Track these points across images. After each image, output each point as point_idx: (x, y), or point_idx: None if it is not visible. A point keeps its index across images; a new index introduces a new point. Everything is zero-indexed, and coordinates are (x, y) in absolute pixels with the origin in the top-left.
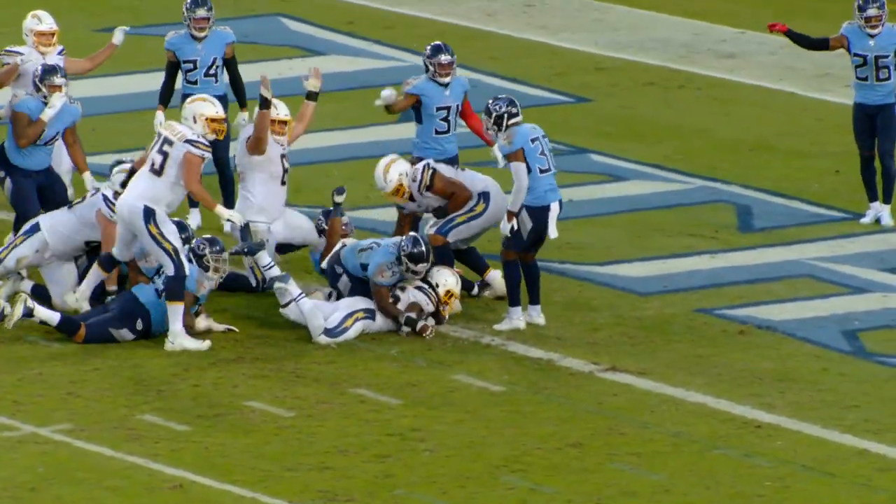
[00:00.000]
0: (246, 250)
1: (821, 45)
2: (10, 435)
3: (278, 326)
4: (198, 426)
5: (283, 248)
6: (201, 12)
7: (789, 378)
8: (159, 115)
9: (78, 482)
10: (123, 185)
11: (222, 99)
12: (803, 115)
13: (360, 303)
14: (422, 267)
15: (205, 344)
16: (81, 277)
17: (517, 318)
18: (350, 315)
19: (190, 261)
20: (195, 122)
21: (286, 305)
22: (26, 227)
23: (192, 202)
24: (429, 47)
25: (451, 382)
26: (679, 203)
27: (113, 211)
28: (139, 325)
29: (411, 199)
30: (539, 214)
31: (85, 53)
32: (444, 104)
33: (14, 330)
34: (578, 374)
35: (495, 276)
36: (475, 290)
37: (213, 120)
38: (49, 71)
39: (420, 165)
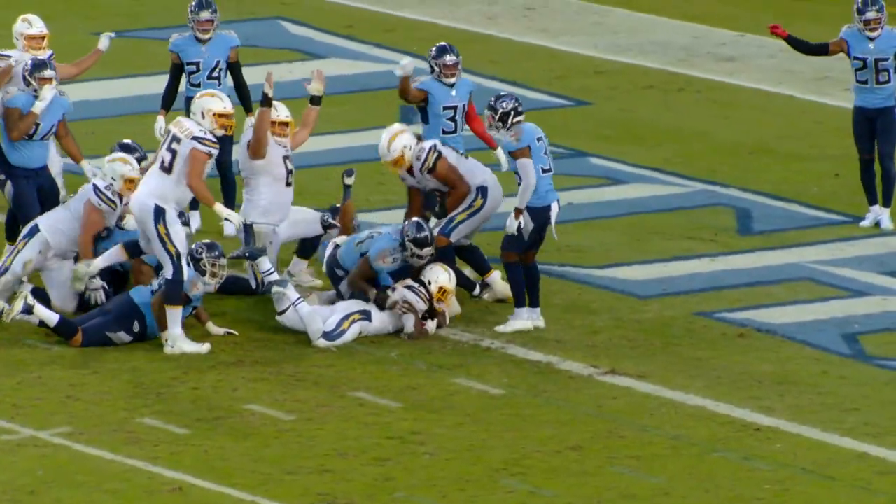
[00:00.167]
0: (247, 255)
1: (820, 50)
2: (9, 438)
3: (278, 330)
4: (197, 429)
5: (306, 251)
6: (205, 14)
7: (789, 381)
8: (160, 120)
9: (77, 485)
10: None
11: None
12: (803, 119)
13: (355, 305)
14: (427, 251)
15: (204, 347)
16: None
17: (523, 319)
18: (346, 317)
19: (188, 263)
20: (203, 117)
21: (283, 312)
22: (25, 230)
23: (193, 204)
24: (434, 48)
25: (451, 386)
26: (679, 206)
27: (103, 200)
28: (136, 327)
29: (410, 172)
30: (541, 214)
31: (82, 56)
32: (450, 104)
33: (13, 333)
34: (578, 378)
35: (496, 278)
36: (476, 291)
37: (220, 115)
38: (38, 65)
39: (427, 145)
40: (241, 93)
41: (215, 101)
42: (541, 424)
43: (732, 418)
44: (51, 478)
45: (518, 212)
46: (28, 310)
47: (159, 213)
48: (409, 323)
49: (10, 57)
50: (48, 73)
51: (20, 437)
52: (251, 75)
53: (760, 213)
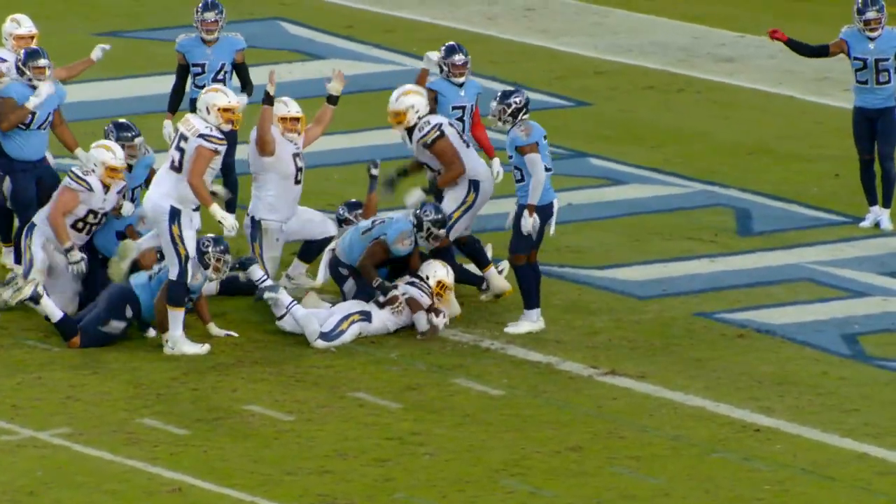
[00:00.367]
0: (238, 265)
1: (820, 52)
2: (8, 439)
3: (277, 331)
4: (197, 430)
5: (308, 254)
6: (210, 15)
7: (789, 382)
8: (167, 124)
9: (77, 486)
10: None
11: None
12: (802, 119)
13: (355, 306)
14: (443, 232)
15: (204, 347)
16: (83, 284)
17: (533, 320)
18: (346, 318)
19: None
20: (208, 112)
21: (282, 317)
22: (25, 231)
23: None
24: (443, 47)
25: (451, 386)
26: (678, 207)
27: (73, 180)
28: (128, 312)
29: (409, 133)
30: (543, 212)
31: (83, 57)
32: (459, 104)
33: (13, 333)
34: (578, 378)
35: (493, 273)
36: (485, 286)
37: (225, 109)
38: (32, 54)
39: (434, 121)
40: (246, 91)
41: (219, 95)
42: (541, 425)
43: (732, 419)
44: (50, 478)
45: (532, 209)
46: (35, 298)
47: (174, 215)
48: (421, 322)
49: (5, 61)
50: (42, 61)
51: (20, 437)
52: (252, 76)
53: (760, 214)
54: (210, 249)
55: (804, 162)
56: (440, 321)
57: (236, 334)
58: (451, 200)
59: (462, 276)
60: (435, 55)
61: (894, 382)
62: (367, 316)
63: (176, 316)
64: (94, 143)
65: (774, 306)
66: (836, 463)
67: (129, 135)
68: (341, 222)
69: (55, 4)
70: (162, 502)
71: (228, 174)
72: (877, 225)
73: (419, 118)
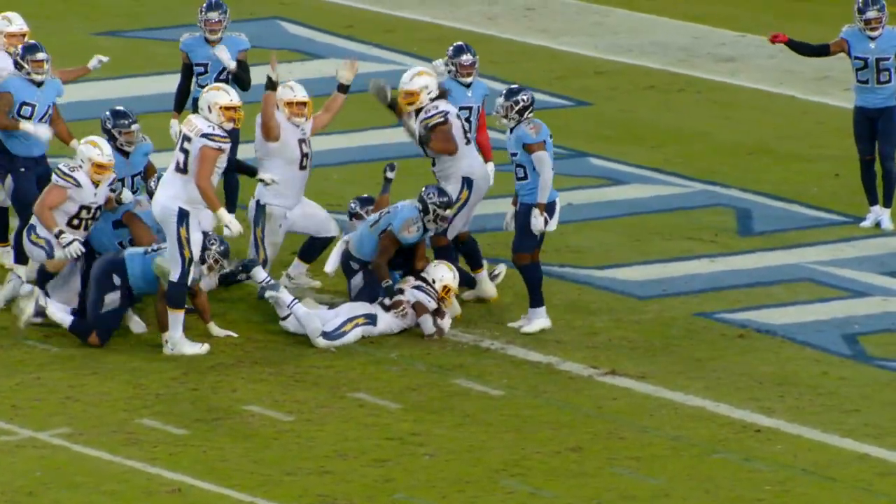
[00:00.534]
0: (241, 268)
1: (821, 51)
2: (7, 439)
3: (278, 331)
4: (196, 430)
5: (309, 254)
6: (213, 15)
7: (789, 382)
8: (174, 124)
9: (76, 486)
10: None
11: None
12: (803, 119)
13: (361, 308)
14: (450, 212)
15: (203, 347)
16: (83, 279)
17: (542, 317)
18: (350, 320)
19: None
20: (210, 111)
21: (286, 318)
22: (27, 231)
23: None
24: (451, 47)
25: (451, 386)
26: (679, 207)
27: (60, 176)
28: (116, 280)
29: (417, 115)
30: (548, 210)
31: (83, 56)
32: (466, 104)
33: (12, 334)
34: (578, 378)
35: (484, 276)
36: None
37: (227, 108)
38: (31, 48)
39: (441, 107)
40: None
41: (221, 94)
42: (540, 425)
43: (732, 419)
44: (49, 479)
45: (542, 208)
46: (40, 312)
47: (183, 217)
48: (428, 325)
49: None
50: (41, 55)
51: (19, 438)
52: (252, 76)
53: (761, 214)
54: (212, 248)
55: (804, 162)
56: (446, 323)
57: (236, 334)
58: None
59: (462, 278)
60: (440, 63)
61: (895, 383)
62: (372, 319)
63: (176, 317)
64: (82, 139)
65: (775, 306)
66: (836, 463)
67: (127, 122)
68: (352, 216)
69: (55, 4)
70: (161, 503)
71: (228, 174)
72: (877, 225)
73: (430, 100)
